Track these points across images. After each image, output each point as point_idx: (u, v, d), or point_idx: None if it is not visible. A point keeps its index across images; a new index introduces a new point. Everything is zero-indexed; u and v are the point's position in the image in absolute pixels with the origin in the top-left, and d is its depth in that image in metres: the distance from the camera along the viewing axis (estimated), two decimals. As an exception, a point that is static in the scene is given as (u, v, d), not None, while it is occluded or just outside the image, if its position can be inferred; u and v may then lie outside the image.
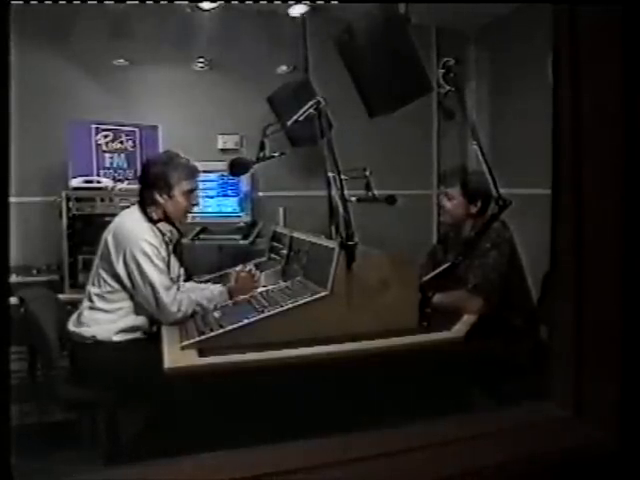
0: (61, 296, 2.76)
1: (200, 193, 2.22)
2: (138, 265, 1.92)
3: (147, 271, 1.92)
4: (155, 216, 2.06)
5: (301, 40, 3.54)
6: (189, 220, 2.38)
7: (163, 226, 2.07)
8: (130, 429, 1.98)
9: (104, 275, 1.99)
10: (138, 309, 1.99)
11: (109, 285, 1.98)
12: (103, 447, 1.99)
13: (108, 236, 2.00)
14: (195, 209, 2.22)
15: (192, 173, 2.11)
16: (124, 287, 1.97)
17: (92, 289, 2.02)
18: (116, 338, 1.96)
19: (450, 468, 0.66)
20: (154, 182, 2.06)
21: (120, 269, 1.95)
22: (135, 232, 1.98)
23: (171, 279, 2.00)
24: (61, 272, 3.08)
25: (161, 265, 1.96)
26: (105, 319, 1.98)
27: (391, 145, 3.96)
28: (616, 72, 0.66)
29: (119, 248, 1.95)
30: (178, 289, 2.01)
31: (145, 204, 2.08)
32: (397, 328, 1.74)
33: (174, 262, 2.11)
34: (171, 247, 2.10)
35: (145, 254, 1.93)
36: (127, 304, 1.99)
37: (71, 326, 2.03)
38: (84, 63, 3.44)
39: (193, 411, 1.62)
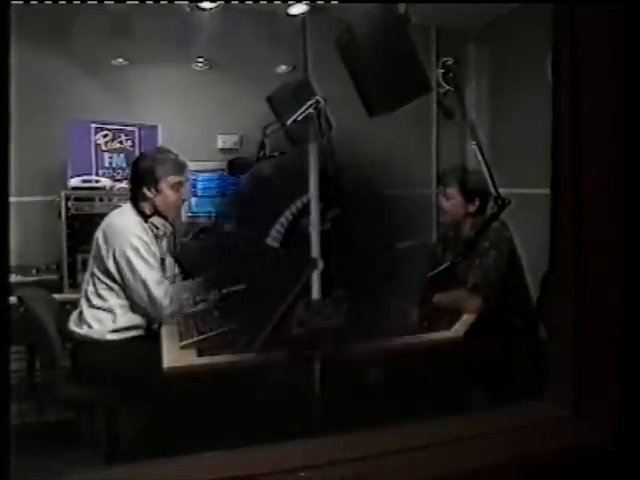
0: (60, 295, 2.76)
1: (200, 193, 2.23)
2: (128, 261, 1.93)
3: (137, 266, 1.93)
4: (147, 211, 2.08)
5: (301, 40, 3.53)
6: (190, 221, 2.38)
7: (156, 220, 2.08)
8: (129, 428, 1.98)
9: (98, 274, 2.01)
10: (135, 306, 1.99)
11: (103, 283, 2.00)
12: (103, 446, 1.99)
13: (98, 235, 2.03)
14: (195, 209, 2.23)
15: (179, 167, 2.13)
16: (117, 284, 1.98)
17: (88, 287, 2.04)
18: (116, 336, 1.97)
19: (450, 468, 0.66)
20: (142, 177, 2.09)
21: (111, 266, 1.96)
22: (124, 228, 2.00)
23: (167, 278, 2.01)
24: (60, 272, 3.08)
25: (151, 260, 1.97)
26: (105, 317, 1.98)
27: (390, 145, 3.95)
28: (616, 72, 0.66)
29: (109, 246, 1.97)
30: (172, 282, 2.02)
31: (137, 200, 2.10)
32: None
33: (170, 261, 2.12)
34: (165, 243, 2.11)
35: (134, 249, 1.94)
36: (123, 302, 2.00)
37: (72, 325, 2.04)
38: (83, 62, 3.42)
39: (192, 410, 1.62)
